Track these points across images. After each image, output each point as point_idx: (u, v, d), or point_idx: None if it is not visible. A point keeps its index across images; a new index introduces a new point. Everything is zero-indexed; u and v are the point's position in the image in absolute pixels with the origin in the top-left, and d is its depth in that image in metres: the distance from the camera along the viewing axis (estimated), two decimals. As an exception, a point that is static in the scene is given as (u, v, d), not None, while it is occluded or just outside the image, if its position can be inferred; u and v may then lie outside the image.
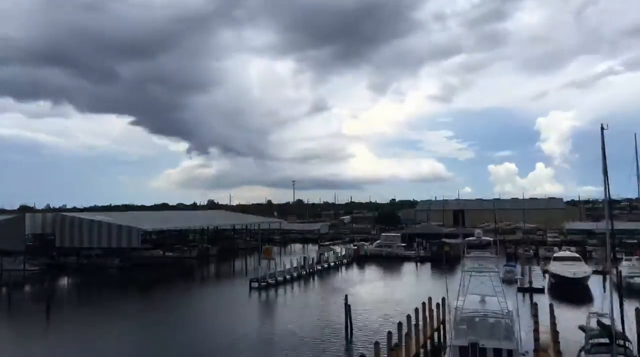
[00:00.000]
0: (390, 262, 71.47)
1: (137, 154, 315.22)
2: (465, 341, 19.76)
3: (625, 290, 41.11)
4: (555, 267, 49.13)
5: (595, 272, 48.17)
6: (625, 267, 47.04)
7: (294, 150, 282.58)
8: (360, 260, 72.92)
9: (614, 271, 25.11)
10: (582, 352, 21.05)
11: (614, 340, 18.66)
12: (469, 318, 20.90)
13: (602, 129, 19.81)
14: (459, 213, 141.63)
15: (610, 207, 20.12)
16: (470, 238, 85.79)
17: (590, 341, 20.98)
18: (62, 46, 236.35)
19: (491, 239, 66.83)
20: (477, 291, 22.45)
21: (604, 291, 44.03)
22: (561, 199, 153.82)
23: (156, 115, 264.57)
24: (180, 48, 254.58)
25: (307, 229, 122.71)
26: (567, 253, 56.79)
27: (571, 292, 43.77)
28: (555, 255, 56.48)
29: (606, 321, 21.03)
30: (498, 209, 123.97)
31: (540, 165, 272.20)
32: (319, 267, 61.68)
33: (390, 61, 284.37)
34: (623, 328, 19.60)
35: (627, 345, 20.01)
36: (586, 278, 45.90)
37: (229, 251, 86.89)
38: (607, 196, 19.81)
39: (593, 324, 23.10)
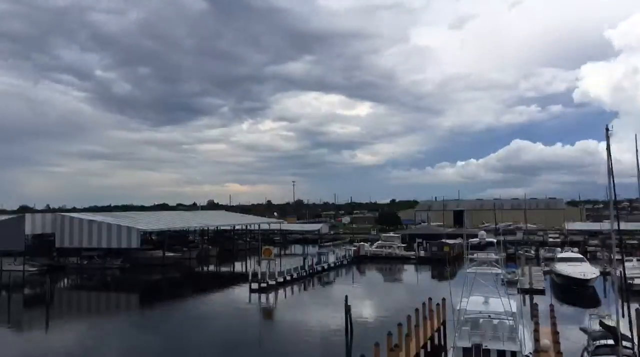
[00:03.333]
0: (390, 263, 71.38)
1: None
2: (468, 342, 19.73)
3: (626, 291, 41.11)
4: (561, 267, 48.84)
5: (602, 273, 48.20)
6: (625, 268, 46.88)
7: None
8: (360, 261, 72.82)
9: (617, 272, 24.94)
10: (585, 354, 20.94)
11: (619, 342, 18.52)
12: (473, 319, 20.85)
13: (607, 129, 19.60)
14: (459, 214, 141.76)
15: (616, 207, 19.93)
16: (473, 240, 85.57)
17: (594, 343, 20.83)
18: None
19: (495, 240, 66.13)
20: (480, 291, 22.36)
21: (605, 292, 44.06)
22: (561, 199, 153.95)
23: None
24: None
25: (307, 229, 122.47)
26: (570, 254, 56.59)
27: (576, 293, 43.77)
28: (559, 256, 56.24)
29: (608, 322, 20.91)
30: (498, 210, 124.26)
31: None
32: (319, 268, 61.57)
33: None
34: (631, 329, 19.46)
35: (631, 346, 19.88)
36: (594, 279, 45.91)
37: (229, 252, 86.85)
38: (613, 196, 19.64)
39: (594, 325, 22.97)
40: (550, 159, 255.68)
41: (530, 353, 20.11)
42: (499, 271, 23.17)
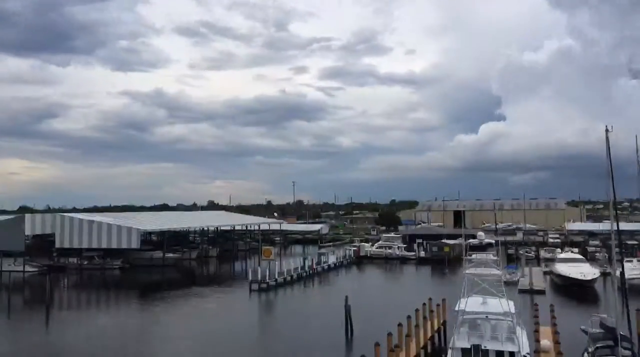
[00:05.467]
0: (390, 263, 71.33)
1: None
2: (467, 342, 19.74)
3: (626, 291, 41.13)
4: (562, 268, 48.79)
5: (603, 273, 48.16)
6: (626, 268, 46.87)
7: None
8: (361, 261, 72.76)
9: (617, 273, 24.96)
10: (586, 354, 20.94)
11: (618, 343, 18.53)
12: (471, 320, 20.88)
13: (607, 131, 19.68)
14: (459, 214, 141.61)
15: (615, 208, 19.98)
16: (472, 240, 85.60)
17: (594, 344, 20.84)
18: None
19: (493, 240, 66.14)
20: (479, 292, 22.41)
21: (606, 293, 44.00)
22: (562, 199, 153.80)
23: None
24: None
25: (307, 230, 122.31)
26: (571, 254, 56.59)
27: (577, 293, 43.74)
28: (559, 256, 56.18)
29: (610, 323, 20.92)
30: (498, 210, 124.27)
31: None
32: (319, 269, 61.51)
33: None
34: (630, 330, 19.44)
35: (631, 347, 19.88)
36: (594, 280, 45.88)
37: (229, 252, 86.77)
38: (613, 196, 19.65)
39: (595, 326, 22.99)
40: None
41: (528, 353, 20.13)
42: (498, 272, 23.24)
